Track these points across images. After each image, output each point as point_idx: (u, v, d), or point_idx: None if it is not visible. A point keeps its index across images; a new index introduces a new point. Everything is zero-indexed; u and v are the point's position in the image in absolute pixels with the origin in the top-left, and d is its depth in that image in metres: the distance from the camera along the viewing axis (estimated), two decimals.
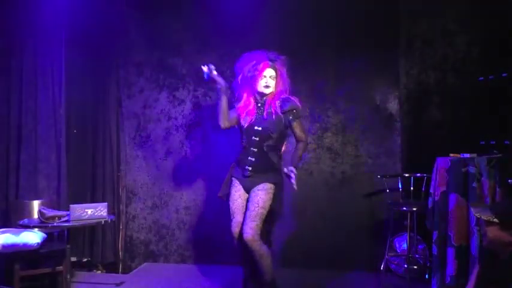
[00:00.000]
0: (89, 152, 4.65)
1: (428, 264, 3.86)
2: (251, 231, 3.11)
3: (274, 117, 3.28)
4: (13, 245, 3.43)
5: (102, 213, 3.51)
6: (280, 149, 3.40)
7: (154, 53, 4.78)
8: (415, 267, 3.96)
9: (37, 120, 3.98)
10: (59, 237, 4.01)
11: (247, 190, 3.32)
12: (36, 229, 3.56)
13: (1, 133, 3.99)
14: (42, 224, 3.38)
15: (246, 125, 3.32)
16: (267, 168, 3.30)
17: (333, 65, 4.46)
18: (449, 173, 3.23)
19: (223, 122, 3.38)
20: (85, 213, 3.43)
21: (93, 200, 4.50)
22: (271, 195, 3.26)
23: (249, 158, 3.29)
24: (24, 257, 3.55)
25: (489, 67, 3.91)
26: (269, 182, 3.27)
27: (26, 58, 4.07)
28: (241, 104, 3.37)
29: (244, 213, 3.24)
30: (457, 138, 3.94)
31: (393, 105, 4.42)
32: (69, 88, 4.32)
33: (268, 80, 3.32)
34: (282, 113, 3.29)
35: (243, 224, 3.20)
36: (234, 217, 3.29)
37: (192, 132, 4.72)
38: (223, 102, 3.35)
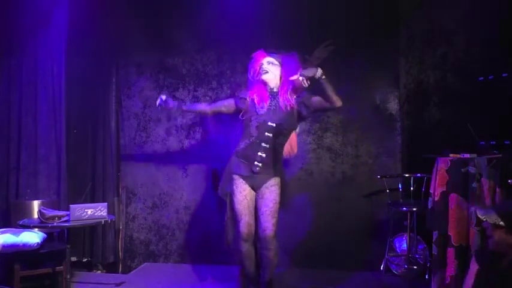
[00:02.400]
0: (89, 152, 4.65)
1: (428, 264, 3.86)
2: (273, 228, 3.13)
3: (289, 110, 3.24)
4: (13, 245, 3.43)
5: (102, 213, 3.50)
6: (284, 144, 3.37)
7: (154, 53, 4.78)
8: (415, 267, 3.96)
9: (37, 120, 3.97)
10: (59, 237, 4.01)
11: (256, 187, 3.25)
12: (36, 229, 3.56)
13: (1, 133, 3.98)
14: (42, 224, 3.38)
15: (260, 114, 3.22)
16: (275, 163, 3.27)
17: (333, 65, 4.43)
18: (449, 173, 3.22)
19: (207, 111, 3.50)
20: (85, 213, 3.42)
21: (93, 200, 4.50)
22: (279, 190, 3.25)
23: (259, 153, 3.20)
24: (24, 257, 3.55)
25: (489, 67, 3.90)
26: (277, 176, 3.26)
27: (26, 58, 4.06)
28: (254, 90, 3.30)
29: (260, 211, 3.20)
30: (457, 138, 3.94)
31: (393, 105, 4.42)
32: (69, 88, 4.32)
33: (266, 66, 3.28)
34: (297, 103, 3.26)
35: (261, 221, 3.17)
36: (241, 218, 3.20)
37: (192, 133, 4.72)
38: (188, 108, 3.63)
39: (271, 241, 3.12)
